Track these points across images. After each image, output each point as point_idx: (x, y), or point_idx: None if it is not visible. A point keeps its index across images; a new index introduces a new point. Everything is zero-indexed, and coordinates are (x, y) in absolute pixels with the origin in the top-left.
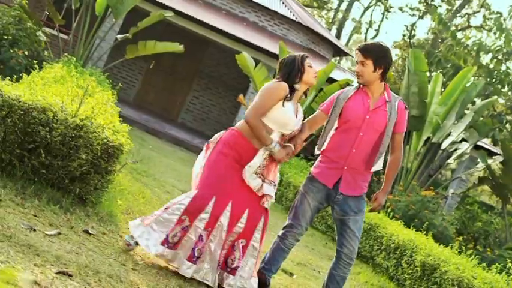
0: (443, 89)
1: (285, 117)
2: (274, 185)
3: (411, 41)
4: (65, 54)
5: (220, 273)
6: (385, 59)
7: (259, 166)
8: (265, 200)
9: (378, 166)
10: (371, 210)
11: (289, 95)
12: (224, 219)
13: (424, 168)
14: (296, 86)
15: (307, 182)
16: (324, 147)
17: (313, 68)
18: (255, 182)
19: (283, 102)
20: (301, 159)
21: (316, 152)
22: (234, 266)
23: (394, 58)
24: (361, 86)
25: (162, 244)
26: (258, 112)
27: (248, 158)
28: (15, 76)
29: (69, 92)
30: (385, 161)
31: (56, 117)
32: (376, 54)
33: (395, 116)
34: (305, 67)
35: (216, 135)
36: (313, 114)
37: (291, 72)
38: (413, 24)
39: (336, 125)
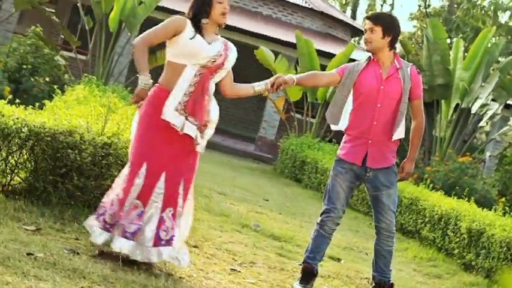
0: (465, 54)
1: (194, 47)
2: (204, 126)
3: (427, 10)
4: (85, 74)
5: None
6: (393, 26)
7: (179, 102)
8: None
9: (399, 134)
10: (400, 180)
11: (193, 31)
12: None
13: (457, 135)
14: (203, 21)
15: (335, 165)
16: (345, 126)
17: (223, 4)
18: (177, 120)
19: (193, 36)
20: (334, 144)
21: (333, 127)
22: (168, 237)
23: (412, 30)
24: (371, 57)
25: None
26: (145, 38)
27: (162, 103)
28: (37, 104)
29: (92, 112)
30: (408, 129)
31: (83, 138)
32: (385, 21)
33: (409, 82)
34: (213, 3)
35: None
36: (327, 71)
37: (198, 7)
38: None
39: (349, 99)
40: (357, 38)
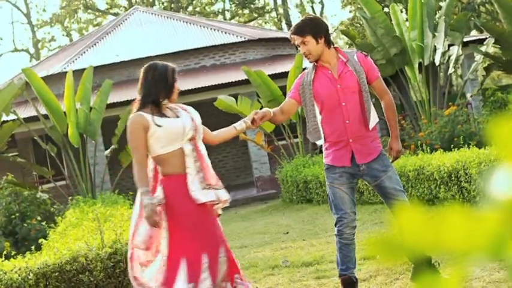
0: (406, 16)
1: (174, 131)
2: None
3: None
4: (70, 197)
5: None
6: (320, 27)
7: (200, 181)
8: (218, 207)
9: (373, 120)
10: (394, 160)
11: (156, 120)
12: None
13: (434, 92)
14: (163, 102)
15: (327, 173)
16: (323, 136)
17: (177, 84)
18: (210, 195)
19: (161, 124)
20: None
21: (318, 142)
22: None
23: (349, 15)
24: (316, 64)
25: None
26: (137, 160)
27: (180, 188)
28: (33, 246)
29: (87, 230)
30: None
31: (88, 259)
32: (310, 28)
33: (361, 69)
34: (175, 87)
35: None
36: (284, 102)
37: (160, 91)
38: None
39: (317, 110)
40: None
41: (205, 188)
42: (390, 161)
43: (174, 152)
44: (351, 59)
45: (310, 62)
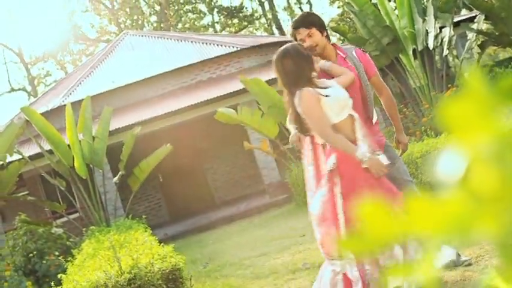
0: (394, 5)
1: (337, 101)
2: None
3: None
4: (84, 229)
5: None
6: (322, 21)
7: (367, 144)
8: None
9: (375, 115)
10: (402, 153)
11: (321, 93)
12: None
13: (431, 76)
14: (313, 74)
15: None
16: None
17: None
18: (384, 159)
19: (327, 94)
20: None
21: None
22: None
23: (338, 11)
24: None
25: None
26: (323, 131)
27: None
28: (53, 282)
29: (104, 259)
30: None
31: (107, 287)
32: (314, 20)
33: (360, 65)
34: (311, 56)
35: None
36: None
37: (305, 67)
38: None
39: None
40: None
41: (373, 153)
42: (399, 154)
43: (346, 120)
44: (350, 54)
45: (316, 55)
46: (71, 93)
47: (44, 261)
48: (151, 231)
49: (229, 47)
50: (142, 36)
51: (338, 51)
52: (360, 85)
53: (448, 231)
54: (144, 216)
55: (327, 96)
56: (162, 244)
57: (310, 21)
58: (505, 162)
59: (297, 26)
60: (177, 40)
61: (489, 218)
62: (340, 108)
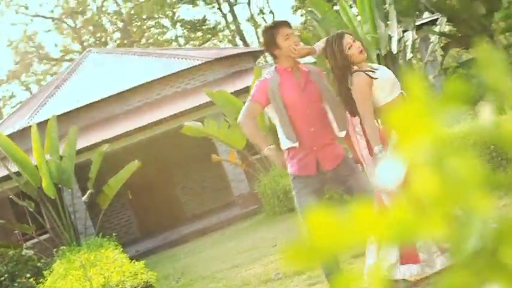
0: (355, 12)
1: (387, 80)
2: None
3: None
4: (55, 249)
5: None
6: None
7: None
8: None
9: (342, 127)
10: (375, 165)
11: (374, 70)
12: None
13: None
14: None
15: (294, 183)
16: (291, 141)
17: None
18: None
19: (373, 79)
20: None
21: (294, 145)
22: None
23: (302, 20)
24: (276, 67)
25: None
26: (367, 111)
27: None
28: None
29: (75, 279)
30: None
31: None
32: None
33: (321, 80)
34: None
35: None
36: (251, 109)
37: (338, 54)
38: None
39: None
40: (258, 60)
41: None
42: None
43: (398, 97)
44: (311, 69)
45: (295, 55)
46: (36, 114)
47: (16, 284)
48: (122, 249)
49: (193, 60)
50: (106, 53)
51: (301, 65)
52: (322, 98)
53: (394, 236)
54: (114, 234)
55: (376, 78)
56: (133, 261)
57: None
58: (443, 166)
59: (285, 25)
60: (141, 56)
61: (432, 221)
62: (391, 86)
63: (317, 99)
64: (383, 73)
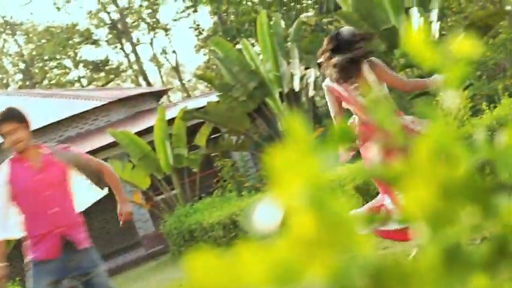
0: (258, 50)
1: None
2: None
3: (204, 35)
4: None
5: None
6: (24, 115)
7: None
8: None
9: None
10: (124, 222)
11: None
12: None
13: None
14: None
15: (34, 271)
16: (25, 229)
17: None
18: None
19: None
20: (207, 196)
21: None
22: None
23: (206, 58)
24: (12, 158)
25: None
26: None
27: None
28: None
29: None
30: None
31: None
32: (20, 115)
33: (67, 161)
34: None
35: None
36: None
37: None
38: (196, 23)
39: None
40: (162, 99)
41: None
42: (121, 224)
43: None
44: (56, 149)
45: (19, 151)
46: None
47: None
48: None
49: (96, 100)
50: (7, 95)
51: (41, 148)
52: (66, 178)
53: (276, 278)
54: (18, 279)
55: None
56: None
57: (16, 116)
58: (319, 207)
59: (7, 119)
60: (44, 97)
61: (313, 261)
62: None
63: (59, 178)
64: None
